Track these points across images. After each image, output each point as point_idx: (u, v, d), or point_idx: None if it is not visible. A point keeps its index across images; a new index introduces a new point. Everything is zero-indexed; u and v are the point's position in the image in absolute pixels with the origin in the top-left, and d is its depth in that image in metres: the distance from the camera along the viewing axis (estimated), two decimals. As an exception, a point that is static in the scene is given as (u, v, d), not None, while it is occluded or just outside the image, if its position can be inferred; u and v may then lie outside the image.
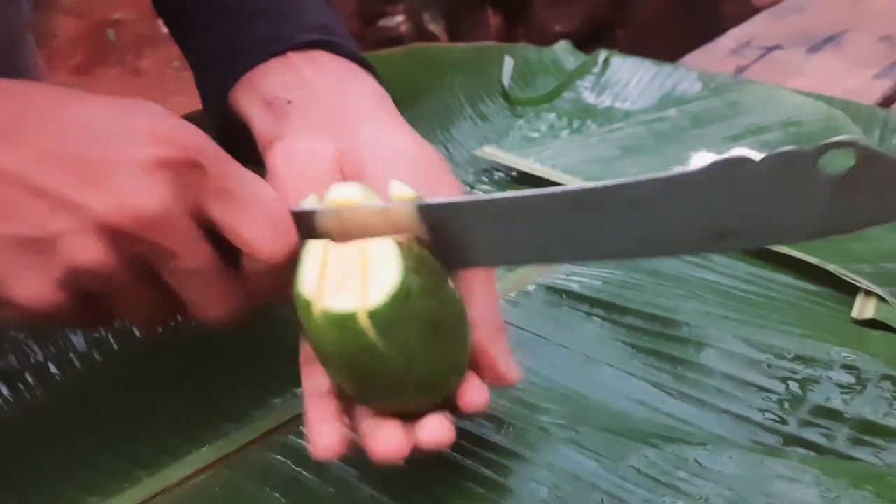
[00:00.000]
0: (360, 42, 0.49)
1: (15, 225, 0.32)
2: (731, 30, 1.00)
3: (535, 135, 0.76)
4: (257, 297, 0.37)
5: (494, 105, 0.81)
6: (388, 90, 0.45)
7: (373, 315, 0.33)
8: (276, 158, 0.41)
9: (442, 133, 0.74)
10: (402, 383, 0.35)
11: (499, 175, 0.69)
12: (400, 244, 0.34)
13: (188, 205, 0.34)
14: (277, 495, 0.41)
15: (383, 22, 2.15)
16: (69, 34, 2.78)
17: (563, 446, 0.41)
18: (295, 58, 0.43)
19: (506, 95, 0.82)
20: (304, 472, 0.42)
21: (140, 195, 0.32)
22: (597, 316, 0.52)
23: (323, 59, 0.44)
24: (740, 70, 0.91)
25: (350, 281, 0.33)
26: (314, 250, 0.34)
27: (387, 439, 0.35)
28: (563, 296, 0.54)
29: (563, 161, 0.69)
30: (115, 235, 0.32)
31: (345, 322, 0.33)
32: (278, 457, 0.43)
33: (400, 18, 2.21)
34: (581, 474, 0.40)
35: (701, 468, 0.40)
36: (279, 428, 0.45)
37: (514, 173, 0.68)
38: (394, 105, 0.44)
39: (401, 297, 0.33)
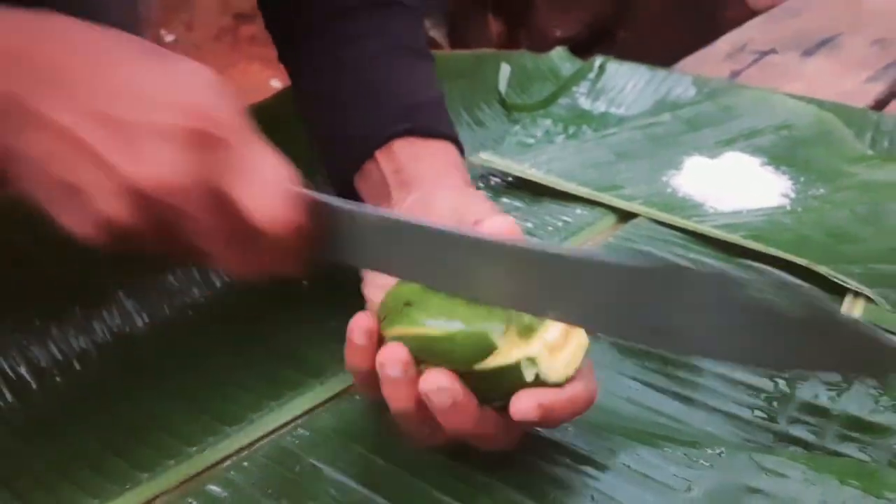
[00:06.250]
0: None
1: (58, 169, 0.36)
2: (726, 34, 1.01)
3: (531, 140, 0.77)
4: (271, 266, 0.40)
5: (491, 111, 0.82)
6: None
7: None
8: None
9: (439, 139, 0.75)
10: None
11: (495, 181, 0.70)
12: None
13: (207, 176, 0.37)
14: (277, 497, 0.42)
15: (384, 30, 2.16)
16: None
17: (554, 444, 0.42)
18: (397, 147, 0.51)
19: (502, 102, 0.83)
20: (301, 476, 0.43)
21: (164, 163, 0.36)
22: (590, 318, 0.53)
23: (413, 147, 0.51)
24: (735, 74, 0.92)
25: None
26: None
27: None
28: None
29: (559, 166, 0.69)
30: (138, 197, 0.36)
31: None
32: (276, 460, 0.44)
33: (401, 26, 2.22)
34: (572, 472, 0.41)
35: (691, 465, 0.40)
36: (276, 431, 0.46)
37: (510, 179, 0.69)
38: (463, 171, 0.52)
39: None
